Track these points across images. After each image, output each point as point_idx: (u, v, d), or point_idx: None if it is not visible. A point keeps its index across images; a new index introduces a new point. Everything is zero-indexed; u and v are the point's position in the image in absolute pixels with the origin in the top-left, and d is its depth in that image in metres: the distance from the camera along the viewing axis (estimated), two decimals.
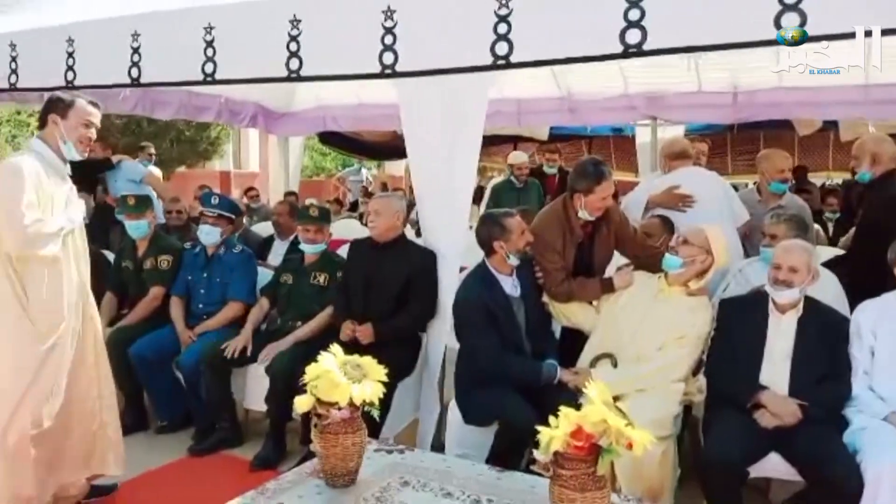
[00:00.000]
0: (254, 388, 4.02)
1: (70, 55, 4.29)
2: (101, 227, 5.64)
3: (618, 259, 3.76)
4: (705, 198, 4.12)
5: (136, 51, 4.06)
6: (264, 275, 4.53)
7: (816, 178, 10.00)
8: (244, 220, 6.27)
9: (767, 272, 3.12)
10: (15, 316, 2.92)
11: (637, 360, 3.26)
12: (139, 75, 4.09)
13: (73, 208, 3.11)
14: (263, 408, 3.88)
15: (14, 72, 4.52)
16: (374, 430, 2.95)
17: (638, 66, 5.62)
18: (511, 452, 3.08)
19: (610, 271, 3.65)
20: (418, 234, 5.30)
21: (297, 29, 3.58)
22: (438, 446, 3.55)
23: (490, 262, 3.44)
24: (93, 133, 3.14)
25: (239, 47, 3.79)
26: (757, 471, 2.88)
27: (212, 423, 4.03)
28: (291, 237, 5.26)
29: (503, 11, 3.14)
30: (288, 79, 3.68)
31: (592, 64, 3.23)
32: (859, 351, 3.00)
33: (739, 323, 3.14)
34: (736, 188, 4.90)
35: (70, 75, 4.30)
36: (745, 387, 2.99)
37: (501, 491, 2.34)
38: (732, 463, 2.80)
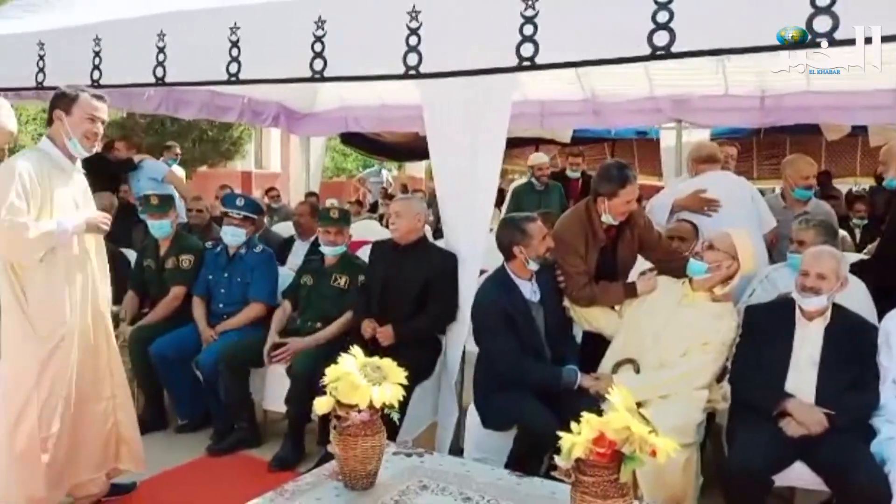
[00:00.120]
0: (272, 389, 4.03)
1: (97, 54, 4.32)
2: (124, 225, 5.68)
3: (641, 263, 3.72)
4: (732, 202, 4.06)
5: (161, 50, 4.08)
6: (283, 276, 4.52)
7: (843, 184, 9.83)
8: (265, 220, 6.28)
9: (795, 279, 3.07)
10: (16, 318, 2.89)
11: (660, 366, 3.21)
12: (164, 75, 4.11)
13: (80, 210, 3.04)
14: (282, 408, 3.88)
15: (41, 70, 4.55)
16: (393, 432, 2.93)
17: (664, 69, 5.55)
18: (530, 457, 3.06)
19: (633, 276, 3.62)
20: (434, 235, 5.29)
21: (322, 29, 3.58)
22: (457, 450, 3.53)
23: (509, 266, 3.41)
24: (99, 128, 3.04)
25: (264, 47, 3.79)
26: (781, 480, 2.83)
27: (230, 423, 4.04)
28: (312, 238, 5.26)
29: (529, 13, 3.10)
30: (312, 79, 3.68)
31: (618, 66, 3.19)
32: (888, 359, 2.94)
33: (765, 330, 3.09)
34: (762, 192, 4.82)
35: (96, 74, 4.33)
36: (771, 394, 2.94)
37: (521, 496, 2.31)
38: (757, 471, 2.76)
